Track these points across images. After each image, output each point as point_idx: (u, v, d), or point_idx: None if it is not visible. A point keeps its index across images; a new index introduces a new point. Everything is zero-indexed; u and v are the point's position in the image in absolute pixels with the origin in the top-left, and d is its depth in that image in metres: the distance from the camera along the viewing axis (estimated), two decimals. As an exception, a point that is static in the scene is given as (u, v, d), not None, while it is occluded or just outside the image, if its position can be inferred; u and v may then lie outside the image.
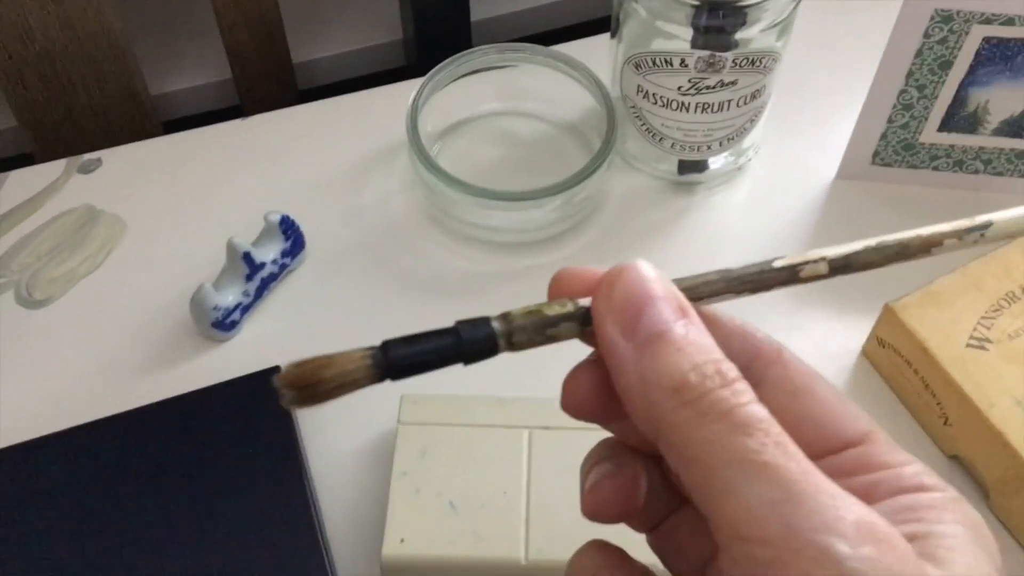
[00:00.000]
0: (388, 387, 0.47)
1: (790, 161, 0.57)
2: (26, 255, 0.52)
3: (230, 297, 0.49)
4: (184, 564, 0.39)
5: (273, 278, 0.50)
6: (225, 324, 0.49)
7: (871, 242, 0.25)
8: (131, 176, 0.56)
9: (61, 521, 0.40)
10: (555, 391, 0.46)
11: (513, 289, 0.51)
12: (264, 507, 0.41)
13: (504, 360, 0.48)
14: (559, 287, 0.25)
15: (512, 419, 0.42)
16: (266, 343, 0.49)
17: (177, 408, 0.45)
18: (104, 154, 0.56)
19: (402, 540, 0.39)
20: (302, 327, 0.50)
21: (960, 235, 0.25)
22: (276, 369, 0.45)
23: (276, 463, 0.42)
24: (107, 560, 0.39)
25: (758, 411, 0.21)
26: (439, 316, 0.50)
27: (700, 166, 0.55)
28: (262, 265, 0.49)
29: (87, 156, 0.56)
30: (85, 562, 0.39)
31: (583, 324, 0.24)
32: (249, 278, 0.49)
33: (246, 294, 0.49)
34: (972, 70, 0.49)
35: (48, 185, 0.55)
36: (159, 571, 0.39)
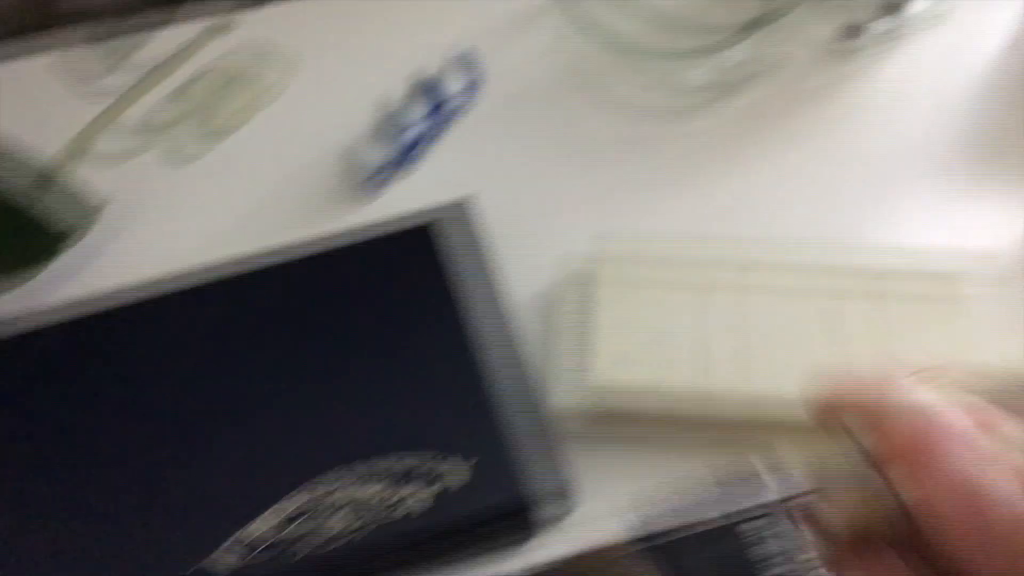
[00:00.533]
0: (580, 224, 0.47)
1: (956, 31, 0.53)
2: (177, 107, 0.52)
3: (380, 155, 0.48)
4: (342, 421, 0.39)
5: (431, 131, 0.49)
6: (375, 181, 0.48)
7: None
8: (290, 23, 0.55)
9: (209, 370, 0.41)
10: (761, 230, 0.46)
11: (671, 153, 0.50)
12: (424, 362, 0.41)
13: (705, 199, 0.48)
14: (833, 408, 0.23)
15: (716, 259, 0.41)
16: (415, 202, 0.49)
17: (329, 261, 0.44)
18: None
19: (610, 368, 0.39)
20: (451, 186, 0.49)
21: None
22: (427, 228, 0.45)
23: (434, 318, 0.42)
24: (260, 413, 0.40)
25: None
26: (596, 177, 0.49)
27: (858, 31, 0.52)
28: (411, 124, 0.48)
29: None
30: (234, 412, 0.40)
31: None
32: (399, 135, 0.48)
33: (395, 152, 0.48)
34: None
35: (201, 32, 0.54)
36: (316, 428, 0.39)
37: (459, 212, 0.45)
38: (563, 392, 0.40)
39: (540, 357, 0.42)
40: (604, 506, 0.39)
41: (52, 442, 0.39)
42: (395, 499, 0.36)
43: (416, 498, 0.36)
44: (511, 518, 0.37)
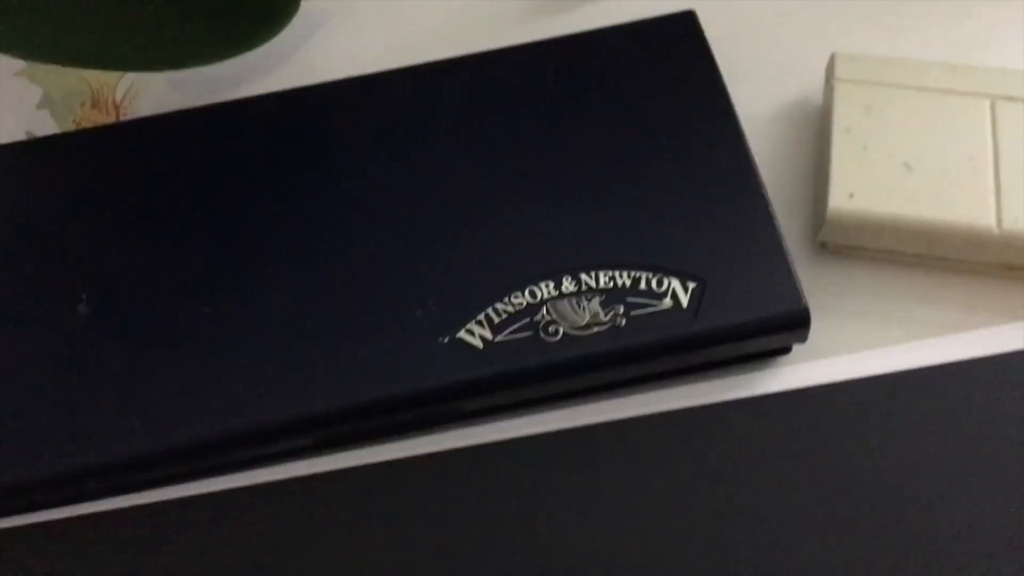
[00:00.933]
0: (811, 44, 0.43)
1: None
2: None
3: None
4: (607, 210, 0.37)
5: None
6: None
7: None
8: None
9: (448, 147, 0.38)
10: (1017, 60, 0.41)
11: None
12: (692, 154, 0.37)
13: (949, 26, 0.43)
14: None
15: (970, 86, 0.37)
16: (627, 14, 0.45)
17: (580, 46, 0.41)
18: None
19: (851, 195, 0.35)
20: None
21: None
22: (690, 13, 0.41)
23: (700, 109, 0.38)
24: (499, 198, 0.37)
25: None
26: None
27: None
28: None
29: None
30: (479, 192, 0.37)
31: None
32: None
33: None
34: None
35: None
36: (572, 219, 0.36)
37: (683, 26, 0.41)
38: (797, 223, 0.38)
39: (772, 186, 0.39)
40: (840, 341, 0.36)
41: (296, 210, 0.37)
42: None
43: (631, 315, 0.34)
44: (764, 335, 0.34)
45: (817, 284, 0.37)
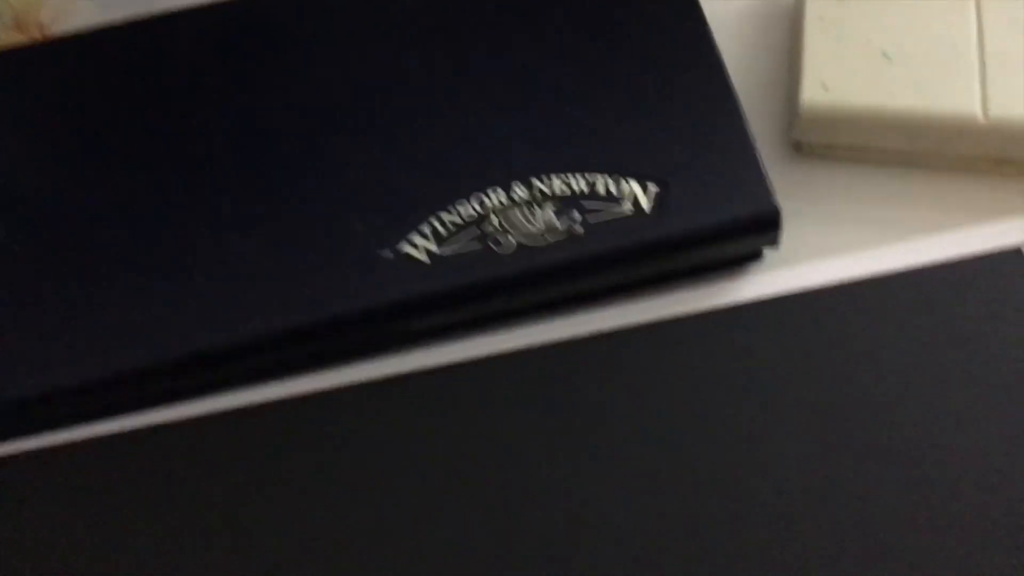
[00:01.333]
0: None
1: None
2: None
3: None
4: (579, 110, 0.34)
5: None
6: None
7: None
8: None
9: (404, 54, 0.36)
10: None
11: None
12: (656, 55, 0.34)
13: None
14: None
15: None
16: None
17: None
18: None
19: (825, 87, 0.32)
20: None
21: None
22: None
23: (664, 7, 0.35)
24: (447, 105, 0.34)
25: None
26: None
27: None
28: None
29: None
30: (422, 101, 0.34)
31: None
32: None
33: None
34: None
35: None
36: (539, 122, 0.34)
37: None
38: (770, 126, 0.35)
39: (743, 89, 0.36)
40: (816, 246, 0.34)
41: (222, 126, 0.35)
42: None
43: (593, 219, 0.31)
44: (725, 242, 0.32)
45: (792, 187, 0.34)
